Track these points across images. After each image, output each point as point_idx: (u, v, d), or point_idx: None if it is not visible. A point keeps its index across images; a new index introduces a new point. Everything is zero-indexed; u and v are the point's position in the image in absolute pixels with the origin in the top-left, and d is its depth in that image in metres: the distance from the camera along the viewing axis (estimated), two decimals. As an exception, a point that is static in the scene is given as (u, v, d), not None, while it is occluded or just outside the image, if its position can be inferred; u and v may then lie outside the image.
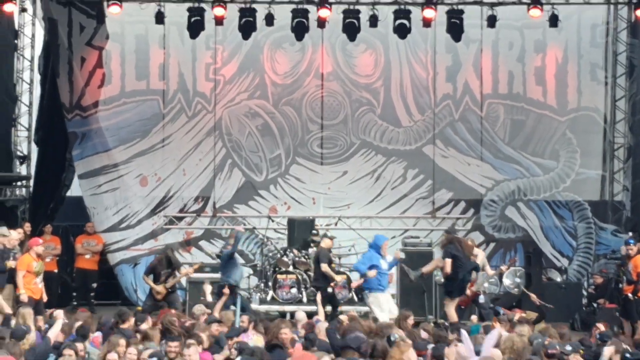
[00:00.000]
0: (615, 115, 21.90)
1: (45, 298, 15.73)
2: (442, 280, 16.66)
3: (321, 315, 15.42)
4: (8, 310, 14.40)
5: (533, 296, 17.56)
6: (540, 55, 21.94)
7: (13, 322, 13.04)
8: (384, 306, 15.83)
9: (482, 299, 16.66)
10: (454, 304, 15.88)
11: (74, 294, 20.39)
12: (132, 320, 12.97)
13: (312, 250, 19.18)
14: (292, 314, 17.15)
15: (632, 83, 21.57)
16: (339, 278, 17.71)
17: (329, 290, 17.22)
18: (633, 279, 16.29)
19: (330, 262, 17.76)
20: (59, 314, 12.18)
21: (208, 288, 16.44)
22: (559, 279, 20.59)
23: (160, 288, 17.03)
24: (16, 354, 10.41)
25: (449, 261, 15.74)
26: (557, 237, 21.58)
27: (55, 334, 11.48)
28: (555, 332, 12.53)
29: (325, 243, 17.80)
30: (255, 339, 12.37)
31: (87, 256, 20.30)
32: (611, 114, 21.92)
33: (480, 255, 17.12)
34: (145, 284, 17.99)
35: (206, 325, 13.05)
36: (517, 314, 15.21)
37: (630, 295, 16.35)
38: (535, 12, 19.85)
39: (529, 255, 20.40)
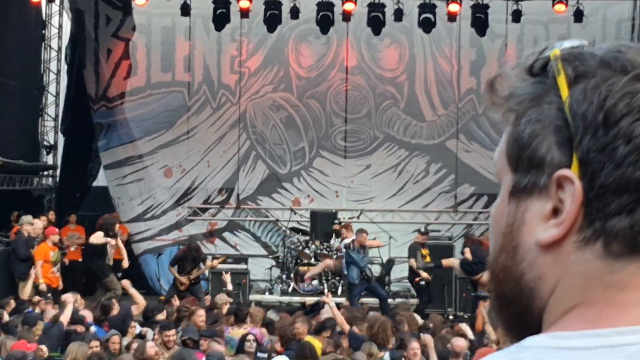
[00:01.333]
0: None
1: (61, 286, 15.86)
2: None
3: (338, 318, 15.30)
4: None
5: None
6: (565, 50, 21.86)
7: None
8: None
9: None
10: None
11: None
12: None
13: (333, 242, 19.27)
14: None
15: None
16: (424, 274, 17.75)
17: (422, 283, 17.59)
18: None
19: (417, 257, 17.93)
20: (68, 297, 12.27)
21: (227, 278, 16.49)
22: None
23: (184, 279, 17.17)
24: (30, 339, 10.58)
25: None
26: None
27: (67, 318, 11.62)
28: None
29: (416, 237, 18.33)
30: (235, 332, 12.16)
31: (73, 248, 20.39)
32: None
33: None
34: (169, 273, 18.15)
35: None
36: None
37: None
38: (560, 7, 19.85)
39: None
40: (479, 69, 22.02)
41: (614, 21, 21.89)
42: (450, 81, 22.09)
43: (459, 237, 20.66)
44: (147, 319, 12.96)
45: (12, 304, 13.81)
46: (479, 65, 22.02)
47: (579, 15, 20.00)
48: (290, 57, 22.20)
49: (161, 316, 12.89)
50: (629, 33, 21.86)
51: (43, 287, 15.26)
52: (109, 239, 16.42)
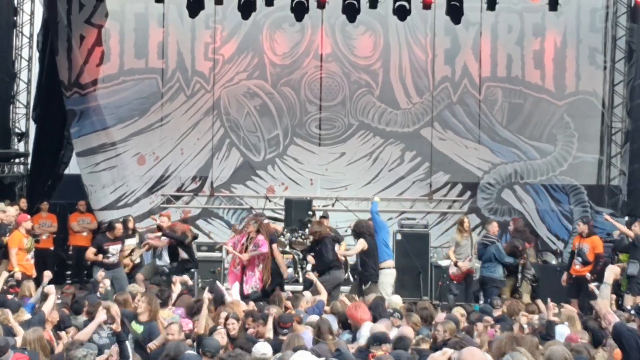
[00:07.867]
0: (614, 100, 21.89)
1: (34, 274, 15.67)
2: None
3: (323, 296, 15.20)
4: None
5: None
6: (539, 39, 21.92)
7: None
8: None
9: (474, 277, 16.77)
10: None
11: (68, 272, 20.41)
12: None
13: (308, 231, 19.19)
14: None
15: (630, 67, 21.50)
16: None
17: None
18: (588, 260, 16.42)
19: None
20: (51, 288, 12.10)
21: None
22: (554, 262, 20.55)
23: (126, 261, 17.01)
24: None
25: None
26: (553, 220, 21.62)
27: (49, 308, 11.50)
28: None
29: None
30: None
31: (85, 234, 20.32)
32: (609, 98, 21.92)
33: (473, 238, 17.23)
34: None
35: None
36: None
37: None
38: (535, -5, 19.85)
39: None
40: (453, 57, 22.01)
41: (588, 9, 21.92)
42: (425, 69, 22.07)
43: (434, 225, 20.68)
44: None
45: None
46: (453, 53, 22.01)
47: (553, 4, 19.96)
48: (265, 45, 22.11)
49: None
50: (603, 21, 21.91)
51: (18, 275, 15.09)
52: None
